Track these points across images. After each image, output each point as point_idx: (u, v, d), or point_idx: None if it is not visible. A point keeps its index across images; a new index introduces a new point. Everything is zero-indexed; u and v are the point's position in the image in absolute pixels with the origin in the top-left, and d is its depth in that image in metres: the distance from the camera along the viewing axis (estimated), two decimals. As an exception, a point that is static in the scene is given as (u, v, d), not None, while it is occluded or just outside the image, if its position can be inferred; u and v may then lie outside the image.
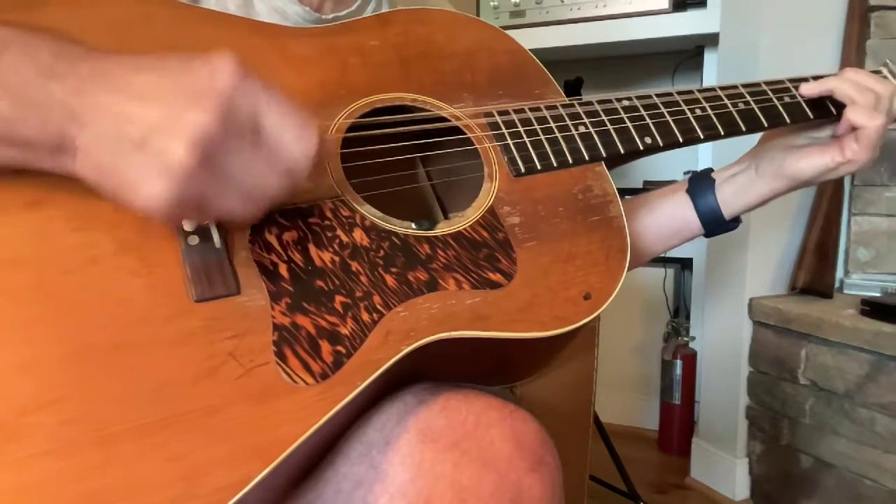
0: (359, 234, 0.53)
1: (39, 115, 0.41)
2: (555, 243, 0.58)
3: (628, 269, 0.74)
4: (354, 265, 0.52)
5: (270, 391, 0.45)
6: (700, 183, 0.76)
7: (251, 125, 0.43)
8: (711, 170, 0.78)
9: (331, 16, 0.67)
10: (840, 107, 0.73)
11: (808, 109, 0.73)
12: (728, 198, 0.75)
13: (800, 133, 0.75)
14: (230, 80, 0.42)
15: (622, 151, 0.65)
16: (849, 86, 0.71)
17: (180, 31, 0.56)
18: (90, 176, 0.43)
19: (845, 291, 1.54)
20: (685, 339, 1.84)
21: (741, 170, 0.75)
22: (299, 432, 0.44)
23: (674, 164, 1.87)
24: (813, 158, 0.71)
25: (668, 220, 0.78)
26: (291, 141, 0.45)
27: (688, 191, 0.77)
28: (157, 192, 0.41)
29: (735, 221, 0.76)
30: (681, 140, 0.68)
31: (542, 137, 0.63)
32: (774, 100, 0.73)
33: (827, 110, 0.73)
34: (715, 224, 0.76)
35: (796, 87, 0.74)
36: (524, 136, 0.63)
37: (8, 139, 0.42)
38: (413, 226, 0.55)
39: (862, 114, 0.69)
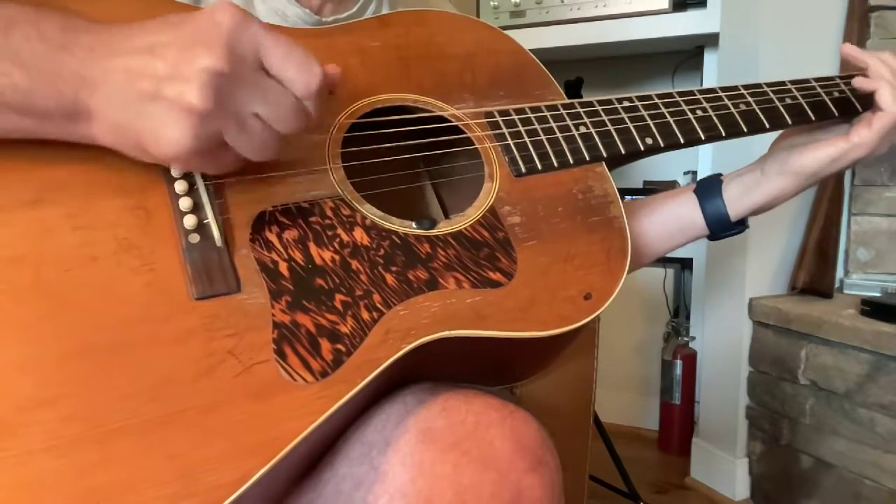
0: (359, 233, 0.53)
1: (53, 85, 0.43)
2: (555, 243, 0.58)
3: (633, 270, 0.74)
4: (355, 264, 0.52)
5: (270, 389, 0.45)
6: (708, 183, 0.76)
7: (256, 62, 0.46)
8: (721, 174, 0.77)
9: (331, 18, 0.67)
10: (842, 109, 0.73)
11: (809, 110, 0.73)
12: (734, 196, 0.74)
13: (803, 134, 0.75)
14: (230, 22, 0.44)
15: (623, 152, 0.65)
16: (884, 67, 0.71)
17: None
18: (108, 138, 0.45)
19: (845, 291, 1.54)
20: (685, 339, 1.84)
21: (748, 171, 0.75)
22: (299, 430, 0.44)
23: (674, 164, 1.87)
24: (817, 151, 0.71)
25: (673, 217, 0.77)
26: (297, 73, 0.46)
27: (695, 191, 0.77)
28: (178, 137, 0.43)
29: (741, 225, 0.76)
30: (682, 141, 0.68)
31: (543, 138, 0.63)
32: (776, 101, 0.73)
33: (829, 112, 0.73)
34: (720, 223, 0.75)
35: (798, 89, 0.74)
36: (525, 136, 0.63)
37: (25, 109, 0.44)
38: (413, 225, 0.55)
39: (889, 96, 0.68)
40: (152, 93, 0.43)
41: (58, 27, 0.44)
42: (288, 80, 0.47)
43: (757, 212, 0.75)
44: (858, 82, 0.72)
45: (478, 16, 1.79)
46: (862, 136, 0.69)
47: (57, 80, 0.43)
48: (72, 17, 0.45)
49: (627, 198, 1.78)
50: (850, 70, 0.76)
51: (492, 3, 1.79)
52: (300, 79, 0.47)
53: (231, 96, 0.44)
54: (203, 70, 0.43)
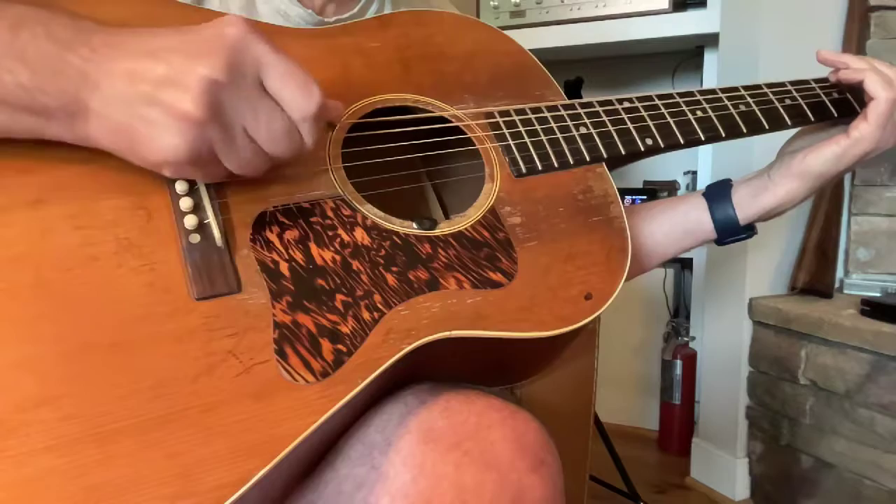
0: (360, 234, 0.53)
1: (57, 84, 0.43)
2: (555, 243, 0.58)
3: (639, 273, 0.74)
4: (355, 264, 0.52)
5: (270, 389, 0.45)
6: (717, 187, 0.76)
7: (256, 78, 0.46)
8: (730, 179, 0.77)
9: (333, 18, 0.67)
10: (841, 109, 0.73)
11: (808, 111, 0.73)
12: (742, 199, 0.74)
13: (808, 137, 0.75)
14: (236, 35, 0.44)
15: (623, 152, 0.65)
16: (864, 62, 0.71)
17: None
18: (105, 139, 0.45)
19: (845, 291, 1.54)
20: (685, 339, 1.84)
21: (757, 176, 0.75)
22: (300, 430, 0.44)
23: (674, 164, 1.87)
24: (820, 151, 0.70)
25: (681, 219, 0.77)
26: (294, 97, 0.46)
27: (704, 194, 0.77)
28: (170, 145, 0.43)
29: (749, 229, 0.76)
30: (682, 141, 0.68)
31: (544, 138, 0.63)
32: (775, 102, 0.73)
33: (828, 113, 0.73)
34: (728, 227, 0.75)
35: (797, 90, 0.74)
36: (525, 136, 0.63)
37: (28, 107, 0.44)
38: (414, 225, 0.55)
39: (878, 82, 0.68)
40: (150, 96, 0.43)
41: (66, 27, 0.44)
42: (284, 101, 0.47)
43: (766, 216, 0.74)
44: (844, 74, 0.72)
45: (478, 16, 1.79)
46: (862, 130, 0.69)
47: (60, 79, 0.43)
48: (81, 18, 0.45)
49: (628, 198, 1.79)
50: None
51: (492, 3, 1.79)
52: (297, 100, 0.47)
53: (225, 109, 0.44)
54: (201, 79, 0.43)
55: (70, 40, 0.44)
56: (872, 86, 0.69)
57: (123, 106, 0.44)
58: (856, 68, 0.71)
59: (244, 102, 0.45)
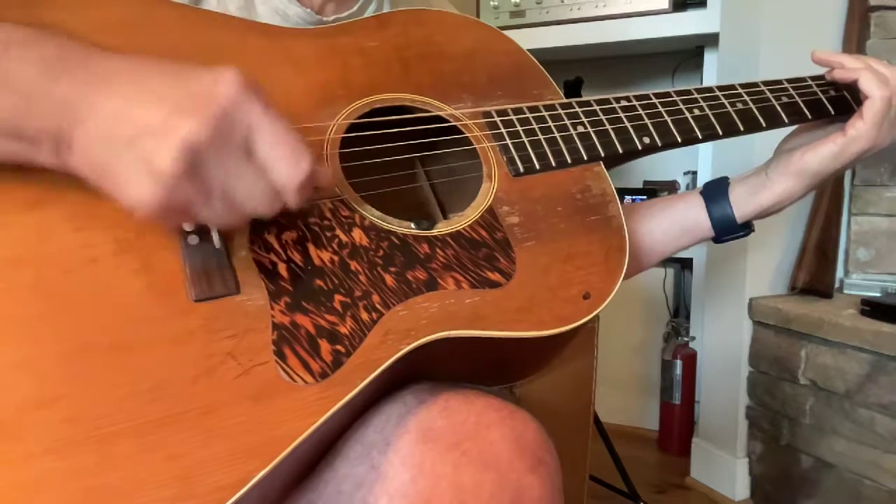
0: (358, 234, 0.53)
1: (42, 111, 0.42)
2: (554, 243, 0.58)
3: (637, 272, 0.73)
4: (353, 265, 0.52)
5: (270, 390, 0.45)
6: (714, 185, 0.77)
7: (244, 142, 0.43)
8: (727, 177, 0.77)
9: (332, 17, 0.67)
10: (838, 107, 0.73)
11: (805, 109, 0.73)
12: (740, 197, 0.74)
13: (805, 135, 0.76)
14: (230, 93, 0.42)
15: (620, 151, 0.65)
16: (860, 61, 0.71)
17: (182, 33, 0.56)
18: (85, 172, 0.44)
19: (845, 291, 1.54)
20: (685, 339, 1.84)
21: (754, 174, 0.75)
22: (299, 431, 0.44)
23: (674, 164, 1.87)
24: (818, 149, 0.70)
25: (679, 218, 0.77)
26: (282, 165, 0.44)
27: (702, 192, 0.77)
28: (144, 195, 0.42)
29: (746, 227, 0.76)
30: (679, 140, 0.68)
31: (541, 137, 0.63)
32: (773, 100, 0.73)
33: (825, 110, 0.73)
34: (725, 225, 0.75)
35: (794, 88, 0.74)
36: (523, 136, 0.63)
37: (13, 133, 0.43)
38: (412, 225, 0.55)
39: (873, 81, 0.68)
40: (129, 141, 0.41)
41: (55, 54, 0.43)
42: (271, 170, 0.44)
43: (763, 214, 0.75)
44: (838, 73, 0.73)
45: (478, 16, 1.79)
46: (858, 129, 0.69)
47: (45, 105, 0.42)
48: (71, 43, 0.44)
49: (627, 198, 1.79)
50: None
51: (492, 3, 1.79)
52: (284, 170, 0.44)
53: (204, 170, 0.42)
54: (184, 137, 0.41)
55: (58, 66, 0.42)
56: (867, 84, 0.69)
57: (105, 145, 0.42)
58: (850, 67, 0.71)
59: (226, 166, 0.43)
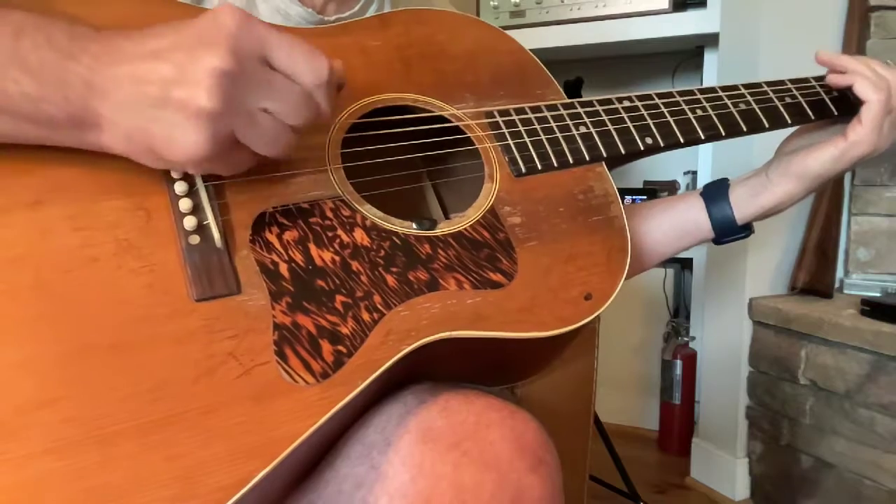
0: (359, 234, 0.53)
1: (62, 93, 0.43)
2: (556, 243, 0.58)
3: (637, 273, 0.73)
4: (355, 265, 0.51)
5: (271, 390, 0.45)
6: (714, 186, 0.77)
7: (261, 59, 0.45)
8: (727, 178, 0.77)
9: (333, 17, 0.67)
10: (841, 108, 0.73)
11: (808, 110, 0.73)
12: (740, 199, 0.74)
13: (806, 137, 0.76)
14: (233, 22, 0.44)
15: (623, 152, 0.65)
16: (860, 64, 0.71)
17: None
18: (119, 145, 0.45)
19: (845, 291, 1.54)
20: (685, 339, 1.84)
21: (755, 175, 0.75)
22: (300, 431, 0.44)
23: (674, 164, 1.87)
24: (819, 152, 0.71)
25: (679, 219, 0.77)
26: (304, 67, 0.47)
27: (702, 194, 0.77)
28: (192, 141, 0.43)
29: (746, 229, 0.76)
30: (682, 140, 0.68)
31: (543, 137, 0.63)
32: (776, 100, 0.73)
33: (828, 111, 0.73)
34: (725, 226, 0.75)
35: (797, 88, 0.74)
36: (525, 136, 0.63)
37: (34, 118, 0.44)
38: (414, 225, 0.55)
39: (868, 86, 0.68)
40: (161, 98, 0.43)
41: (65, 35, 0.44)
42: (296, 73, 0.47)
43: (763, 216, 0.75)
44: (833, 79, 0.73)
45: (478, 16, 1.79)
46: (858, 133, 0.69)
47: (65, 88, 0.43)
48: (78, 24, 0.45)
49: (628, 198, 1.79)
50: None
51: (492, 3, 1.79)
52: (308, 69, 0.47)
53: (239, 94, 0.44)
54: (210, 71, 0.42)
55: (70, 48, 0.43)
56: (862, 89, 0.69)
57: (135, 110, 0.43)
58: (847, 71, 0.71)
59: (257, 84, 0.45)
